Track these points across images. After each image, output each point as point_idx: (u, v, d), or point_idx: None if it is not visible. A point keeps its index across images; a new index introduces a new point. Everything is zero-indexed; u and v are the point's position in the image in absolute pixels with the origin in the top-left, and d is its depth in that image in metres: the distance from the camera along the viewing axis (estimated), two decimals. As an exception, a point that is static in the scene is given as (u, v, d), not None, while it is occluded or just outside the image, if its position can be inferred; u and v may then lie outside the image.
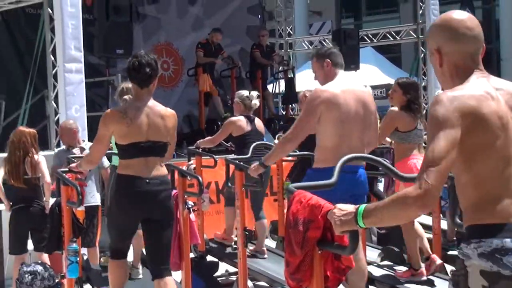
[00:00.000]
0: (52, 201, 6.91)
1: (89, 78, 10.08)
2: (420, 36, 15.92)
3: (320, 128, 5.03)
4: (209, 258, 7.88)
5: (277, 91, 16.30)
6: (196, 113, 13.98)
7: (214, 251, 8.09)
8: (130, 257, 6.36)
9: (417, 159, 6.54)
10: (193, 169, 7.42)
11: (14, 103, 11.99)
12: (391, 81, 20.28)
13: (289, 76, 15.34)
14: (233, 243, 8.06)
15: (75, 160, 6.87)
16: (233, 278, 8.00)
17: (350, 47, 14.60)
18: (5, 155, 7.47)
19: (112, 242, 5.48)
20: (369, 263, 6.50)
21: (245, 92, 8.07)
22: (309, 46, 18.50)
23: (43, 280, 6.87)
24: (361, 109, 5.10)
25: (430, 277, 6.58)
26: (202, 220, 7.68)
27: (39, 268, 6.95)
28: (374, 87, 16.36)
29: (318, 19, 32.70)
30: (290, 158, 8.15)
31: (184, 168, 6.44)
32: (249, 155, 6.70)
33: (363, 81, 14.32)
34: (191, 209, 5.87)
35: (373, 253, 7.61)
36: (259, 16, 17.24)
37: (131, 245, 7.14)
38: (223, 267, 7.96)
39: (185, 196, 5.93)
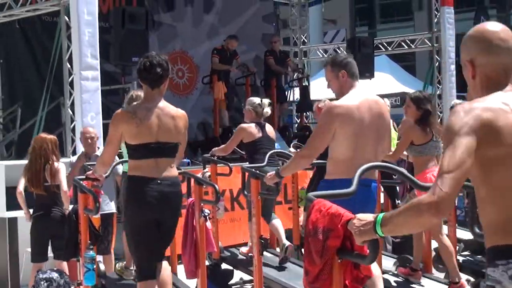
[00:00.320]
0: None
1: (104, 85, 10.11)
2: (435, 45, 15.86)
3: (333, 141, 4.95)
4: (224, 266, 7.88)
5: (291, 99, 16.27)
6: (211, 121, 14.01)
7: (228, 259, 8.08)
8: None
9: (434, 171, 6.53)
10: (208, 177, 7.44)
11: (30, 110, 12.05)
12: (406, 89, 20.34)
13: (303, 84, 15.31)
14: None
15: (91, 168, 6.92)
16: (248, 286, 8.02)
17: (365, 55, 14.58)
18: (21, 162, 7.50)
19: (136, 256, 5.31)
20: (384, 272, 6.49)
21: (256, 100, 8.05)
22: (324, 54, 18.49)
23: (58, 287, 6.91)
24: (376, 120, 5.03)
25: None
26: (217, 228, 7.68)
27: (55, 275, 6.99)
28: (388, 96, 16.42)
29: (333, 27, 32.72)
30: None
31: (199, 175, 6.44)
32: (264, 163, 6.70)
33: (377, 89, 14.31)
34: (207, 217, 5.86)
35: (388, 262, 7.58)
36: (274, 24, 17.29)
37: (124, 249, 7.22)
38: (238, 275, 7.95)
39: (201, 204, 5.91)
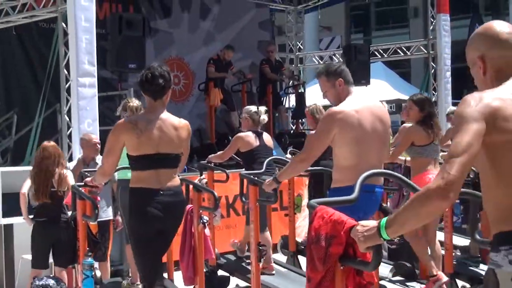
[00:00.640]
0: None
1: (101, 92, 10.10)
2: (431, 52, 15.91)
3: (336, 149, 4.96)
4: (220, 272, 7.88)
5: (287, 106, 16.30)
6: (207, 127, 14.01)
7: (225, 265, 8.08)
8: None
9: (433, 174, 6.54)
10: (205, 184, 7.44)
11: (26, 117, 12.05)
12: (402, 96, 20.40)
13: (299, 91, 15.34)
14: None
15: (88, 174, 6.91)
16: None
17: (361, 62, 14.61)
18: (17, 168, 7.44)
19: (142, 267, 5.30)
20: (380, 278, 6.50)
21: (253, 108, 8.08)
22: (320, 61, 18.53)
23: (55, 294, 6.90)
24: (379, 125, 5.04)
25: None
26: (213, 235, 7.68)
27: (51, 282, 6.97)
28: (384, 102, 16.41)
29: (328, 34, 32.78)
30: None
31: (196, 182, 6.44)
32: (263, 169, 6.70)
33: (373, 96, 14.29)
34: (205, 224, 5.86)
35: (384, 269, 7.59)
36: (270, 31, 17.33)
37: (129, 262, 7.19)
38: (234, 282, 7.95)
39: (200, 211, 5.91)
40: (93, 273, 5.69)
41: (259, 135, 7.88)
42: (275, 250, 8.77)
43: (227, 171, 8.08)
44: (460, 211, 9.66)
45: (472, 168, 3.66)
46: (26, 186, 7.21)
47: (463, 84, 20.36)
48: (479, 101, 2.54)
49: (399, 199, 10.07)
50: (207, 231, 6.00)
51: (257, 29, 16.75)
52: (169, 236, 5.33)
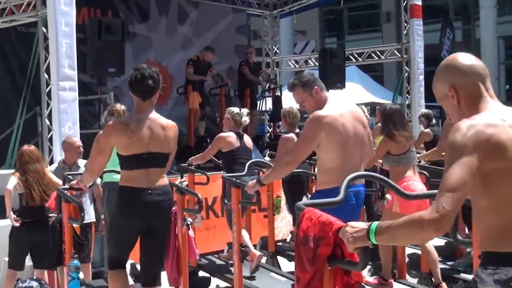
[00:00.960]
0: None
1: (81, 96, 10.06)
2: (405, 56, 16.05)
3: (322, 152, 5.00)
4: (201, 273, 7.89)
5: (264, 109, 16.35)
6: (185, 130, 13.97)
7: (205, 266, 8.10)
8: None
9: (412, 181, 6.61)
10: (186, 186, 7.45)
11: (5, 120, 11.95)
12: (375, 99, 20.55)
13: (276, 94, 15.39)
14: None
15: (72, 177, 6.90)
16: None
17: (336, 66, 14.68)
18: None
19: (112, 253, 5.42)
20: (360, 279, 6.55)
21: (235, 109, 8.10)
22: (295, 64, 18.64)
23: (39, 296, 6.87)
24: (360, 127, 5.11)
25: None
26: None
27: (35, 284, 6.95)
28: (359, 105, 16.48)
29: (303, 39, 32.93)
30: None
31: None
32: (244, 172, 6.74)
33: (348, 99, 14.39)
34: (189, 226, 5.88)
35: (363, 269, 7.63)
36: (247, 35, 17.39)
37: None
38: (214, 282, 7.97)
39: (184, 213, 5.93)
40: (79, 275, 5.66)
41: (240, 137, 7.91)
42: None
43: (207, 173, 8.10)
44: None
45: None
46: (12, 183, 7.14)
47: (435, 87, 20.46)
48: (471, 128, 2.58)
49: (375, 199, 10.15)
50: (191, 232, 6.02)
51: (234, 33, 16.81)
52: (159, 235, 5.35)
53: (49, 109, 9.63)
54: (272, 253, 8.24)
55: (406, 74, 15.95)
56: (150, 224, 5.24)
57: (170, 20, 15.37)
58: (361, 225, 2.67)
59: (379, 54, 17.28)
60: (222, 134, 7.99)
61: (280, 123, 16.11)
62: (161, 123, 5.32)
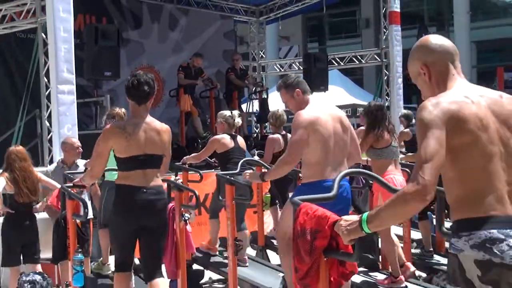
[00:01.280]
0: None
1: (78, 99, 10.05)
2: (384, 60, 16.14)
3: (307, 147, 5.11)
4: (195, 266, 7.91)
5: (251, 110, 16.38)
6: (177, 131, 13.97)
7: (199, 260, 8.11)
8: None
9: (394, 174, 6.65)
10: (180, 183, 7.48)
11: (4, 123, 11.93)
12: (356, 101, 20.63)
13: (263, 97, 15.43)
14: (217, 252, 8.10)
15: (72, 176, 6.91)
16: (216, 285, 8.06)
17: (320, 70, 14.79)
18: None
19: (117, 255, 5.39)
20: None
21: (227, 112, 8.11)
22: (280, 68, 18.70)
23: (41, 289, 6.87)
24: (339, 126, 5.24)
25: (408, 284, 6.68)
26: (187, 231, 7.70)
27: (38, 277, 6.94)
28: (341, 107, 16.53)
29: (287, 44, 33.00)
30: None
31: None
32: (237, 170, 6.77)
33: (331, 101, 14.45)
34: (187, 221, 5.90)
35: (348, 261, 7.66)
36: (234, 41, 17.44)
37: (101, 244, 7.26)
38: (208, 275, 8.00)
39: (181, 209, 5.95)
40: (83, 268, 5.67)
41: (233, 138, 7.94)
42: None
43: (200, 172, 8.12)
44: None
45: None
46: (1, 185, 7.14)
47: (412, 90, 20.70)
48: (436, 106, 2.68)
49: (357, 195, 10.22)
50: (188, 227, 6.04)
51: (222, 39, 16.87)
52: (155, 232, 5.34)
53: (48, 111, 9.62)
54: (262, 246, 8.28)
55: (386, 77, 16.04)
56: (144, 222, 5.24)
57: (161, 27, 15.43)
58: (354, 218, 2.73)
59: (360, 58, 17.37)
60: (217, 136, 8.00)
61: (267, 124, 16.18)
62: (156, 126, 5.34)
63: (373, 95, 18.07)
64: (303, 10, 18.53)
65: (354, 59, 17.42)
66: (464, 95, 2.75)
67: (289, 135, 7.20)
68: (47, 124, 9.66)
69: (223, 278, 7.73)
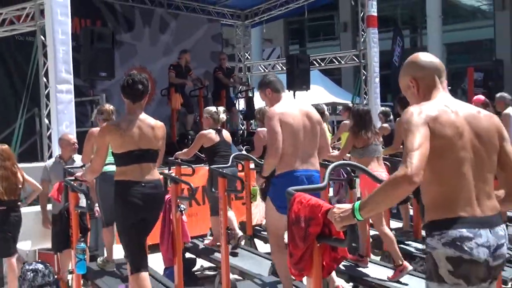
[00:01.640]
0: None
1: (74, 98, 10.02)
2: (362, 61, 16.21)
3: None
4: (188, 255, 7.92)
5: (238, 108, 16.40)
6: (168, 128, 13.93)
7: (191, 248, 8.12)
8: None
9: (376, 172, 6.68)
10: (174, 177, 7.48)
11: (6, 121, 11.87)
12: (336, 99, 20.69)
13: (249, 95, 15.46)
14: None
15: (71, 170, 6.90)
16: (208, 272, 8.09)
17: (302, 70, 14.80)
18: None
19: (128, 256, 5.27)
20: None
21: (213, 108, 8.12)
22: (264, 69, 18.75)
23: (44, 277, 6.87)
24: (307, 121, 5.35)
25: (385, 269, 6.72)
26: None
27: (40, 266, 6.96)
28: (317, 105, 16.61)
29: (270, 46, 33.04)
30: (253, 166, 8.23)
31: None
32: (229, 163, 6.80)
33: (312, 100, 14.51)
34: (183, 212, 5.91)
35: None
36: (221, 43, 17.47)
37: (105, 243, 7.21)
38: (199, 262, 8.03)
39: (177, 200, 5.96)
40: (86, 257, 5.67)
41: (219, 132, 7.95)
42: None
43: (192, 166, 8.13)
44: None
45: None
46: None
47: (387, 89, 20.83)
48: (420, 111, 2.79)
49: (338, 189, 10.28)
50: (184, 218, 6.05)
51: (210, 41, 16.91)
52: (150, 224, 5.33)
53: (47, 109, 9.59)
54: (250, 236, 8.31)
55: (364, 77, 16.12)
56: (144, 214, 5.20)
57: (153, 30, 15.43)
58: (347, 206, 2.77)
59: (339, 59, 17.43)
60: (203, 132, 8.01)
61: (252, 121, 16.22)
62: (150, 123, 5.33)
63: (351, 94, 18.14)
64: (285, 14, 18.57)
65: (334, 60, 17.48)
66: (444, 104, 2.87)
67: None
68: (47, 121, 9.62)
69: (214, 265, 7.76)
